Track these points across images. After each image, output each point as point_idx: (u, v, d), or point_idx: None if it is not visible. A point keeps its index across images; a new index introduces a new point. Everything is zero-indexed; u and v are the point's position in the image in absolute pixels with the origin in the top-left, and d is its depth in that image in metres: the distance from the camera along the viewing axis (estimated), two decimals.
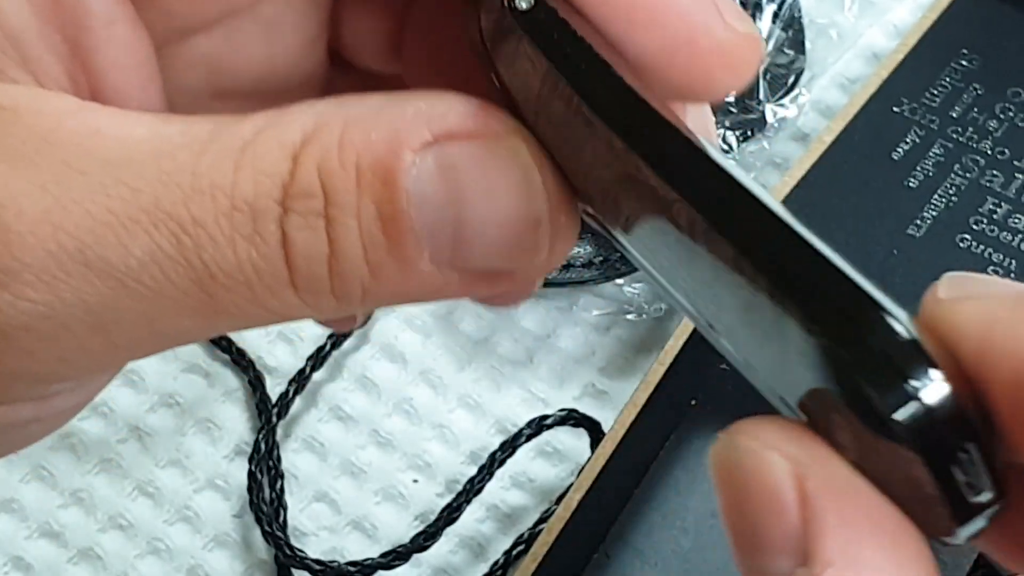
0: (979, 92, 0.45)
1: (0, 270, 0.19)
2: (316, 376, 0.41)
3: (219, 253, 0.20)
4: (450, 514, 0.39)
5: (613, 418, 0.36)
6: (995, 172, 0.43)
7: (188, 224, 0.19)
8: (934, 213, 0.41)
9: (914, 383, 0.15)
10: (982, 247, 0.39)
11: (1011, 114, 0.45)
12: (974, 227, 0.40)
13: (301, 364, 0.40)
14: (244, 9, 0.23)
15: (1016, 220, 0.42)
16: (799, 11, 0.50)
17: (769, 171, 0.47)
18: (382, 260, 0.20)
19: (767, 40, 0.48)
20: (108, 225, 0.20)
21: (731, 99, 0.48)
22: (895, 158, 0.44)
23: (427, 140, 0.19)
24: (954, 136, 0.45)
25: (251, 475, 0.39)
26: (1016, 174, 0.43)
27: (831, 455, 0.18)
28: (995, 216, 0.40)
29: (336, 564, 0.38)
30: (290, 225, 0.19)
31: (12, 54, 0.20)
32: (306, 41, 0.24)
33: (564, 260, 0.22)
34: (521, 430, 0.39)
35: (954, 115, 0.45)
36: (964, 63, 0.46)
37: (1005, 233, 0.40)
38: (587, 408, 0.39)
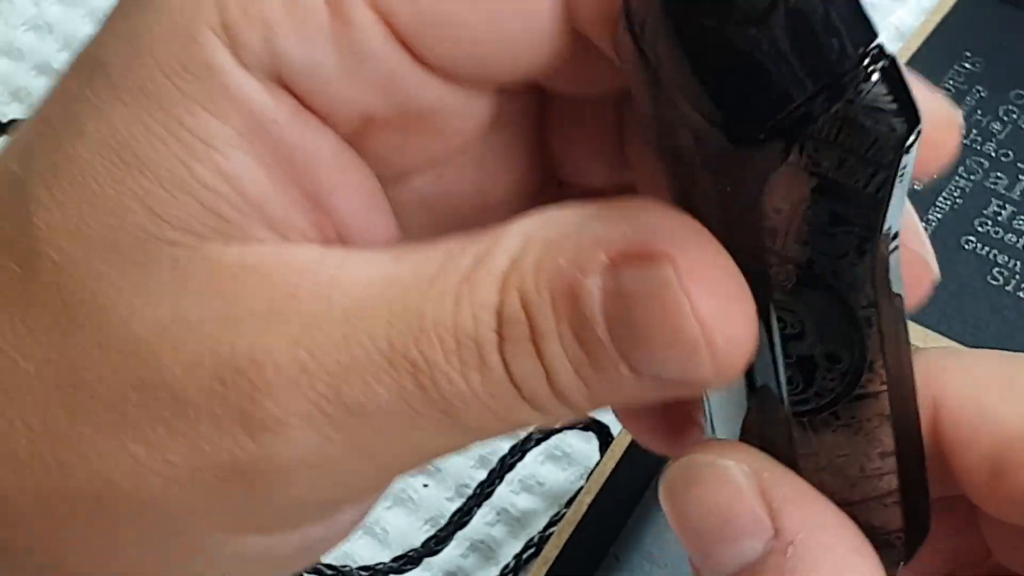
0: (982, 95, 0.45)
1: (271, 419, 0.21)
2: None
3: (454, 387, 0.21)
4: (460, 518, 0.38)
5: None
6: (999, 174, 0.43)
7: (422, 364, 0.21)
8: (939, 216, 0.41)
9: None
10: (987, 249, 0.39)
11: (1015, 116, 0.45)
12: (979, 229, 0.40)
13: None
14: (452, 153, 0.24)
15: (1020, 222, 0.42)
16: None
17: None
18: (590, 375, 0.21)
19: None
20: (354, 371, 0.21)
21: None
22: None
23: (605, 263, 0.20)
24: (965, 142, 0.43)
25: None
26: (1020, 176, 0.43)
27: (770, 458, 0.22)
28: (999, 218, 0.41)
29: (348, 569, 0.38)
30: (507, 353, 0.21)
31: (256, 217, 0.22)
32: (519, 174, 0.25)
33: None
34: (531, 434, 0.39)
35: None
36: (967, 66, 0.46)
37: (1010, 235, 0.40)
38: (596, 412, 0.38)
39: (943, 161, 0.22)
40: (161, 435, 0.22)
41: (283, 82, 0.22)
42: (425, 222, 0.25)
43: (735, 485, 0.22)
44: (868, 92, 0.18)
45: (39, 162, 0.23)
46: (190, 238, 0.22)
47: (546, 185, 0.26)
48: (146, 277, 0.22)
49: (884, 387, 0.21)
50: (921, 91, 0.20)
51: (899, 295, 0.20)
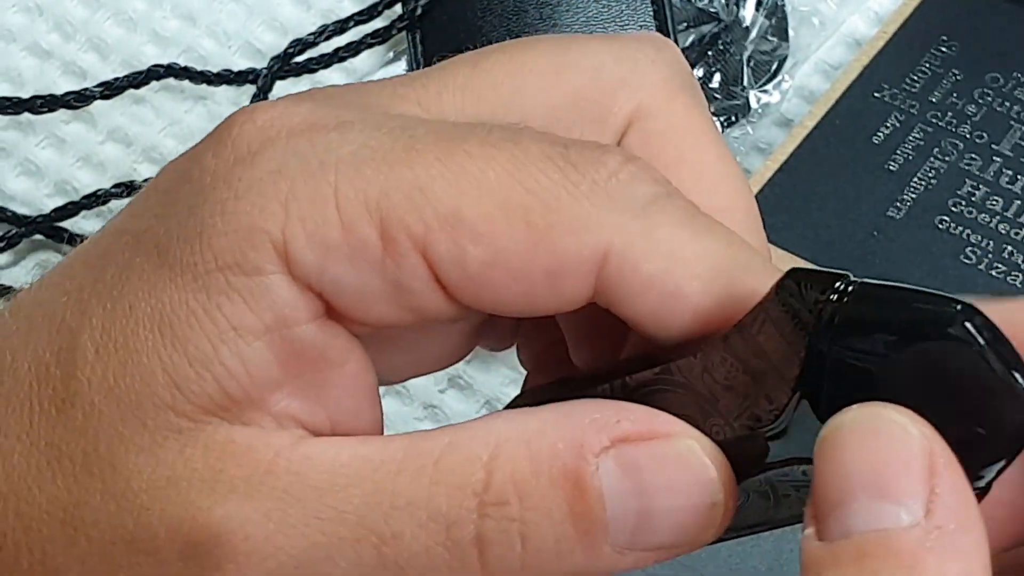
0: (958, 77, 0.47)
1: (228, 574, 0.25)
2: None
3: (415, 558, 0.24)
4: None
5: None
6: (973, 155, 0.45)
7: (387, 537, 0.24)
8: (914, 196, 0.44)
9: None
10: (960, 228, 0.42)
11: (989, 99, 0.47)
12: (952, 209, 0.43)
13: None
14: (396, 338, 0.28)
15: (993, 202, 0.44)
16: (781, 4, 0.51)
17: (753, 156, 0.48)
18: (571, 549, 0.24)
19: (751, 28, 0.50)
20: (319, 545, 0.24)
21: (716, 86, 0.49)
22: (876, 142, 0.46)
23: (606, 445, 0.23)
24: (933, 120, 0.47)
25: None
26: (994, 157, 0.45)
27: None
28: (973, 198, 0.43)
29: None
30: (486, 528, 0.24)
31: (254, 402, 0.25)
32: (456, 346, 0.30)
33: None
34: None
35: (933, 100, 0.47)
36: (943, 49, 0.48)
37: (983, 215, 0.43)
38: None
39: None
40: None
41: (320, 293, 0.25)
42: (386, 374, 0.29)
43: (913, 451, 0.22)
44: None
45: (93, 322, 0.26)
46: (198, 412, 0.25)
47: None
48: (154, 442, 0.25)
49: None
50: None
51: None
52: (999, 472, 0.23)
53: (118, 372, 0.26)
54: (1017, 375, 0.22)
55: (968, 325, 0.22)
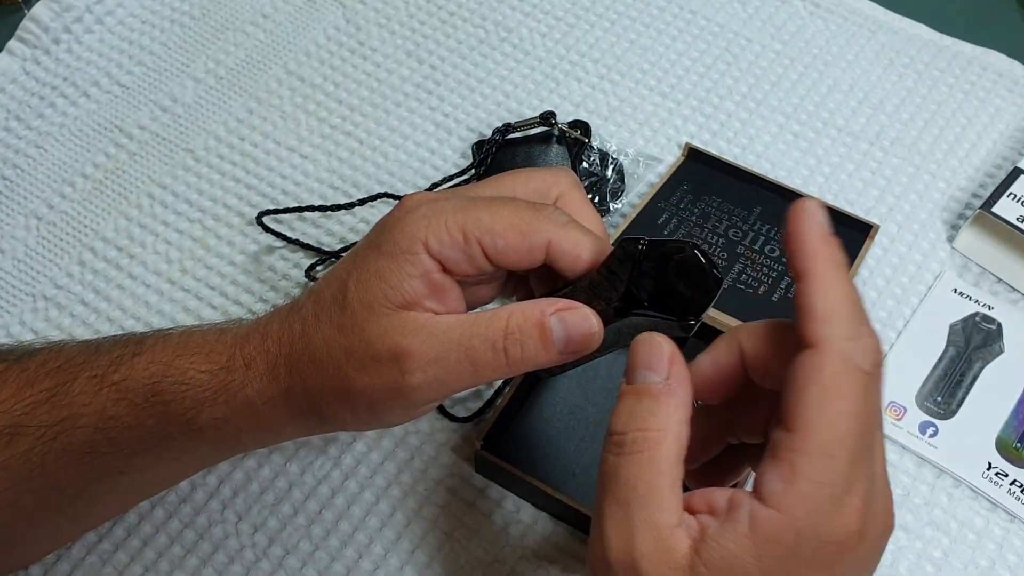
0: (691, 197, 0.75)
1: (410, 369, 0.42)
2: None
3: (480, 356, 0.42)
4: None
5: None
6: (697, 230, 0.72)
7: (468, 348, 0.42)
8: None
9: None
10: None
11: (703, 207, 0.74)
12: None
13: None
14: (471, 285, 0.46)
15: (715, 251, 0.70)
16: (622, 167, 0.76)
17: (610, 228, 0.73)
18: (539, 351, 0.42)
19: (609, 178, 0.75)
20: (444, 351, 0.42)
21: (596, 201, 0.74)
22: (658, 223, 0.73)
23: (552, 312, 0.42)
24: (679, 215, 0.74)
25: None
26: (709, 237, 0.71)
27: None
28: (704, 244, 0.52)
29: None
30: (508, 343, 0.42)
31: (419, 303, 0.43)
32: (499, 287, 0.48)
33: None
34: None
35: (681, 206, 0.75)
36: (685, 187, 0.76)
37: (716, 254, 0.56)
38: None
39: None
40: (372, 374, 0.43)
41: (441, 261, 0.42)
42: (469, 297, 0.46)
43: (664, 351, 0.39)
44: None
45: (351, 274, 0.43)
46: (396, 307, 0.42)
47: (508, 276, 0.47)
48: (379, 317, 0.42)
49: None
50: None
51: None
52: (699, 320, 0.40)
53: (363, 293, 0.43)
54: (714, 270, 0.39)
55: (696, 249, 0.40)
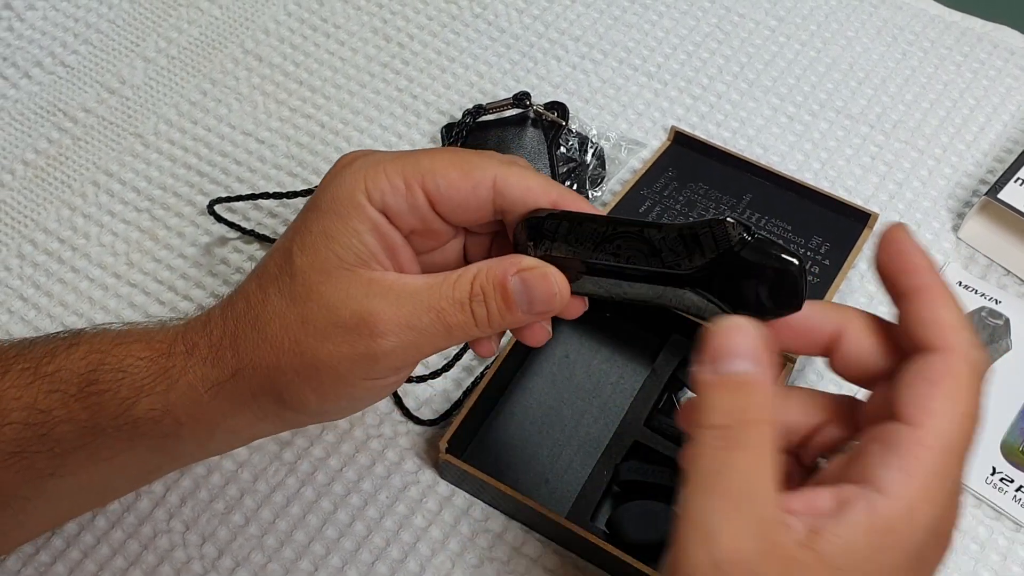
0: (676, 184, 0.76)
1: (380, 333, 0.43)
2: None
3: (453, 319, 0.44)
4: None
5: None
6: (687, 220, 0.71)
7: (439, 310, 0.44)
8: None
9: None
10: None
11: (689, 194, 0.75)
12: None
13: None
14: (440, 245, 0.49)
15: None
16: (603, 152, 0.78)
17: None
18: (503, 312, 0.44)
19: (589, 164, 0.76)
20: (412, 315, 0.43)
21: (575, 188, 0.76)
22: (640, 211, 0.73)
23: (513, 272, 0.44)
24: (662, 203, 0.75)
25: None
26: (691, 215, 0.73)
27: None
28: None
29: None
30: (474, 305, 0.44)
31: (374, 261, 0.45)
32: (458, 257, 0.50)
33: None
34: None
35: (665, 193, 0.76)
36: (670, 173, 0.77)
37: None
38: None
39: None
40: (337, 341, 0.44)
41: (385, 212, 0.44)
42: (426, 268, 0.48)
43: (751, 334, 0.40)
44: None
45: (296, 239, 0.45)
46: (351, 266, 0.43)
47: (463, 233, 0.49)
48: (336, 280, 0.43)
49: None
50: None
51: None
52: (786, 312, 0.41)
53: (312, 257, 0.44)
54: (804, 292, 0.39)
55: (802, 269, 0.39)
